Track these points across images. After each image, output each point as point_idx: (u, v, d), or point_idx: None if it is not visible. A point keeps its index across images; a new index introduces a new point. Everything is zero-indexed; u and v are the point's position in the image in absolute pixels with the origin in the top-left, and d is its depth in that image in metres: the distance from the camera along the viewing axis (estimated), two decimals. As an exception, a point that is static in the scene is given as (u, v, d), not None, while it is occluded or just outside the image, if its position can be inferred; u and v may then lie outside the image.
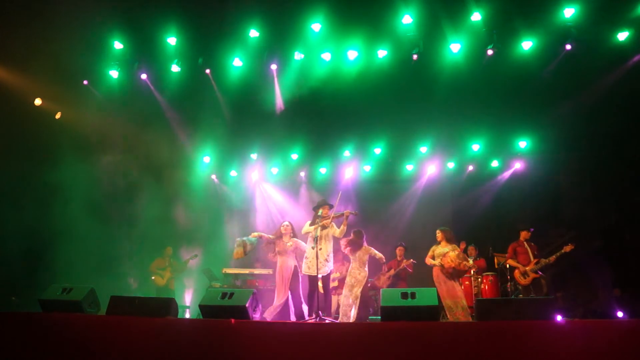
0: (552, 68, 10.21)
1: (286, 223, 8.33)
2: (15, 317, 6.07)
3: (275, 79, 11.26)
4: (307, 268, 7.80)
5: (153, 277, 11.03)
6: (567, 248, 9.09)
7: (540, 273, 9.29)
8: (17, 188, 10.43)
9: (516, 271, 9.50)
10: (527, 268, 9.34)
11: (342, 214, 7.84)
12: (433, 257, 8.46)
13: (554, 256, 9.20)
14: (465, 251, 10.31)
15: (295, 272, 8.06)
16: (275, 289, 8.18)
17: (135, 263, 11.85)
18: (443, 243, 8.49)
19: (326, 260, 7.82)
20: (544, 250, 9.67)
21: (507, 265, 9.85)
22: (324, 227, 7.91)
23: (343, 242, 8.27)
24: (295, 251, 8.18)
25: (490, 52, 10.02)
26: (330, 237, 7.95)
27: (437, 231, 8.60)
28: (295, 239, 8.24)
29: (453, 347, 5.07)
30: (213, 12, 10.05)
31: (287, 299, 7.87)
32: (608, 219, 11.14)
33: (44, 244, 10.30)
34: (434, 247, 8.56)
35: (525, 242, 9.55)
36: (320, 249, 7.76)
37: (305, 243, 8.10)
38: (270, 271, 10.62)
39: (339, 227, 7.97)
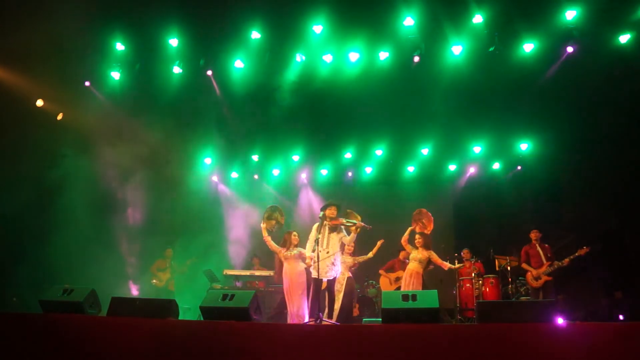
0: (553, 70, 10.21)
1: (296, 233, 8.39)
2: (16, 318, 6.07)
3: (277, 81, 11.27)
4: (314, 271, 7.76)
5: (153, 279, 11.03)
6: (582, 251, 9.06)
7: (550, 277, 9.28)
8: (16, 189, 10.43)
9: (528, 273, 9.47)
10: (540, 271, 9.30)
11: (354, 224, 7.62)
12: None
13: (567, 259, 9.17)
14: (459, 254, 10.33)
15: (308, 275, 8.09)
16: (286, 296, 8.16)
17: (135, 264, 11.84)
18: (420, 249, 8.59)
19: (333, 264, 7.68)
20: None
21: (508, 268, 9.83)
22: (332, 230, 7.86)
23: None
24: (300, 256, 8.21)
25: (491, 54, 10.02)
26: (337, 241, 7.76)
27: (417, 235, 8.71)
28: (300, 248, 8.26)
29: (454, 349, 5.06)
30: (215, 14, 10.07)
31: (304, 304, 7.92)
32: (609, 222, 11.13)
33: (41, 245, 10.31)
34: (412, 249, 8.73)
35: (537, 244, 9.50)
36: (328, 252, 7.71)
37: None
38: (271, 272, 10.62)
39: (348, 235, 7.86)
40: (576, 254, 9.09)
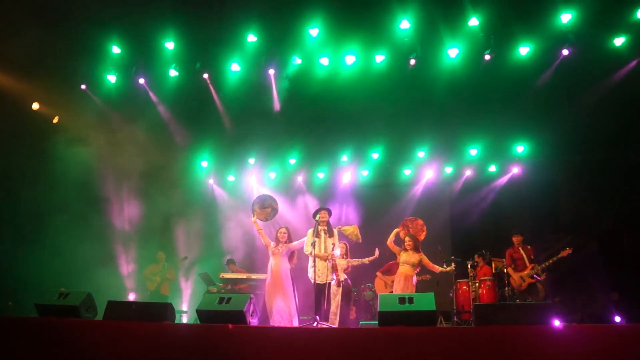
0: (549, 73, 10.25)
1: (283, 230, 8.24)
2: (13, 322, 6.05)
3: (273, 84, 11.27)
4: (315, 276, 7.68)
5: (148, 284, 11.03)
6: (564, 252, 9.08)
7: (537, 278, 9.29)
8: (11, 193, 10.41)
9: (511, 277, 9.50)
10: (522, 273, 9.33)
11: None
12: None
13: (548, 261, 9.20)
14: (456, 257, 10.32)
15: (291, 275, 8.05)
16: (266, 292, 8.00)
17: (131, 266, 11.81)
18: (411, 252, 8.58)
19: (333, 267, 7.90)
20: (542, 255, 9.66)
21: (505, 270, 9.84)
22: (329, 235, 7.97)
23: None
24: (288, 253, 8.14)
25: (487, 57, 10.05)
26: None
27: (407, 238, 8.70)
28: (289, 244, 8.18)
29: (451, 352, 5.07)
30: (211, 17, 10.07)
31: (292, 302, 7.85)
32: (605, 223, 11.16)
33: (37, 248, 10.28)
34: (402, 252, 8.73)
35: (520, 248, 9.54)
36: (327, 257, 7.83)
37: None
38: (266, 276, 10.57)
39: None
40: (559, 256, 9.12)
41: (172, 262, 11.34)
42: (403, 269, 8.58)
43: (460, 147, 12.24)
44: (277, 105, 11.58)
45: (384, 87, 10.77)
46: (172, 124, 11.97)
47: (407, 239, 8.76)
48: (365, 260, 9.25)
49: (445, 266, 9.02)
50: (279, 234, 8.18)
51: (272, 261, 8.09)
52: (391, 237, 8.90)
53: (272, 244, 8.16)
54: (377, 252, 9.17)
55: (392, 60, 10.47)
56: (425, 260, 8.62)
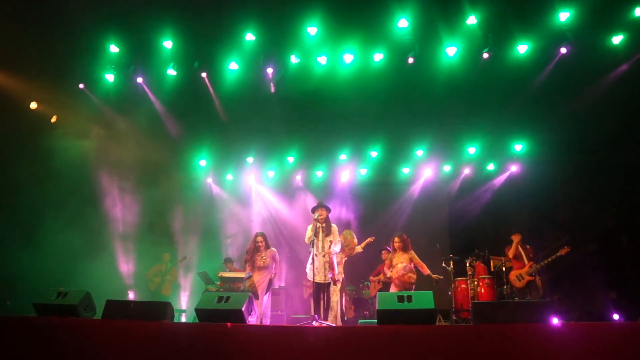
0: (547, 71, 10.25)
1: (260, 238, 8.21)
2: (11, 322, 6.04)
3: (271, 83, 11.26)
4: (312, 274, 7.64)
5: (148, 283, 11.03)
6: (563, 251, 9.11)
7: (536, 275, 9.31)
8: (10, 194, 10.40)
9: (511, 274, 9.52)
10: (521, 271, 9.35)
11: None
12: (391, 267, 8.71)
13: (546, 260, 9.23)
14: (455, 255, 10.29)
15: (269, 285, 8.10)
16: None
17: (130, 266, 11.81)
18: (399, 252, 8.55)
19: (331, 266, 7.85)
20: (540, 253, 9.67)
21: (503, 269, 9.85)
22: (326, 233, 7.93)
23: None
24: (273, 263, 8.17)
25: (485, 55, 10.05)
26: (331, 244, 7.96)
27: (396, 238, 8.65)
28: (271, 249, 8.20)
29: (450, 350, 5.07)
30: (209, 16, 10.04)
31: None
32: (604, 222, 11.17)
33: (35, 249, 10.27)
34: (391, 256, 8.66)
35: (519, 246, 9.56)
36: (324, 255, 7.77)
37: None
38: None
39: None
40: (557, 254, 9.14)
41: (174, 263, 11.33)
42: (395, 271, 8.53)
43: (458, 145, 12.26)
44: (275, 104, 11.55)
45: (383, 86, 10.76)
46: (170, 123, 11.96)
47: (395, 239, 8.70)
48: (359, 248, 9.17)
49: (444, 265, 9.01)
50: (257, 243, 8.17)
51: (255, 275, 8.14)
52: (386, 262, 8.87)
53: (257, 257, 8.17)
54: (369, 239, 9.16)
55: (390, 58, 10.47)
56: (416, 259, 8.60)
